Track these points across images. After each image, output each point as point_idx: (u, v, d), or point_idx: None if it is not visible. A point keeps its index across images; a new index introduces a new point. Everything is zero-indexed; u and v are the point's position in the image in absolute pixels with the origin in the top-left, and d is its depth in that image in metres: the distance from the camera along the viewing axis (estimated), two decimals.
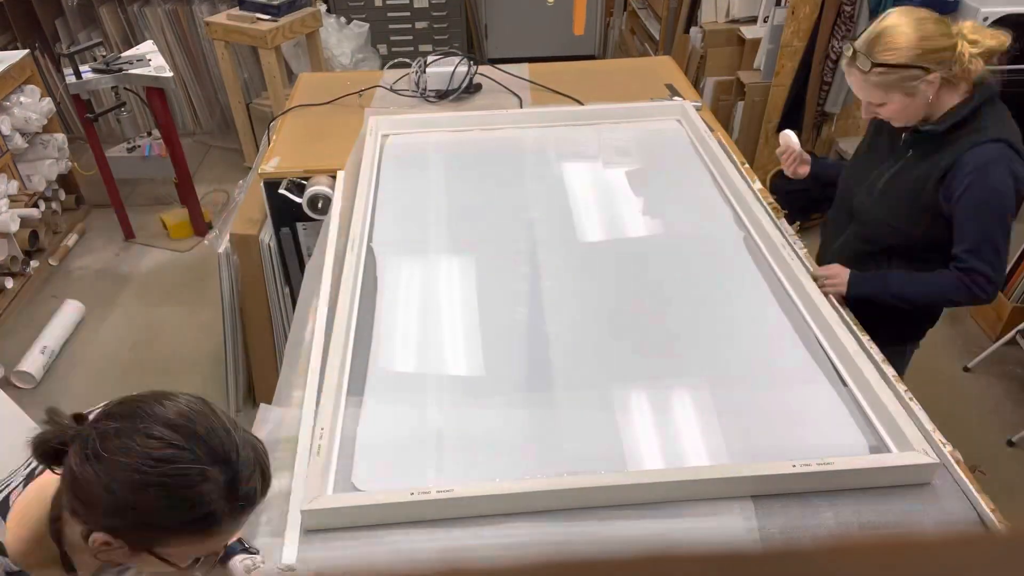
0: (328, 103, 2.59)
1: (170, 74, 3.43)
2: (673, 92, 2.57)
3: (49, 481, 0.99)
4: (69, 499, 0.90)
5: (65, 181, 3.88)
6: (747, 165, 2.14)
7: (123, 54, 3.55)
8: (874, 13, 3.34)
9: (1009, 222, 1.55)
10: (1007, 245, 1.57)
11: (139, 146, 3.82)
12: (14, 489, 1.04)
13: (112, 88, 3.60)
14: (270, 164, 2.28)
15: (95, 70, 3.41)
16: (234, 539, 1.08)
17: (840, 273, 1.62)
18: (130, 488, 0.84)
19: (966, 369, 2.94)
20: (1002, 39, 1.61)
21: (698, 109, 2.37)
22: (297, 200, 2.21)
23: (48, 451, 0.93)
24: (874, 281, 1.63)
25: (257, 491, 0.91)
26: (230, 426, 0.91)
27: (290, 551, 1.12)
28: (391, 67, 2.92)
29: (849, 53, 1.57)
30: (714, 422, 1.33)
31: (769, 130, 3.74)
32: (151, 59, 3.50)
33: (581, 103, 2.50)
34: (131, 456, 0.85)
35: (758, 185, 2.02)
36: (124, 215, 3.79)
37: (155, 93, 3.43)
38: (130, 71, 3.42)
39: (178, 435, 0.86)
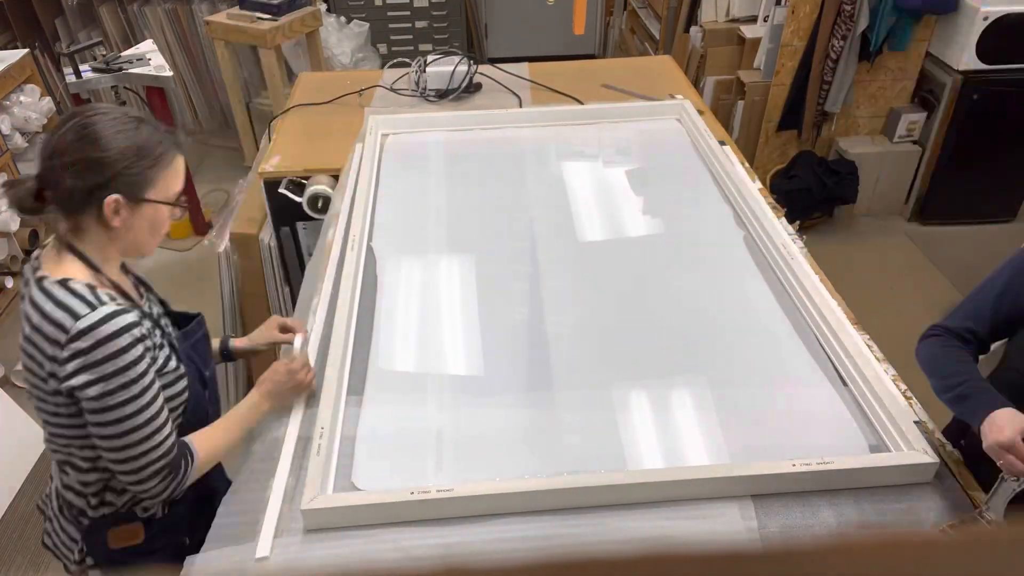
0: (328, 103, 2.59)
1: (170, 73, 3.43)
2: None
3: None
4: (72, 197, 1.18)
5: None
6: (747, 164, 2.14)
7: (123, 53, 3.55)
8: (874, 12, 3.34)
9: None
10: None
11: None
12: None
13: (112, 87, 3.60)
14: (270, 163, 2.28)
15: (95, 69, 3.42)
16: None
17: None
18: (119, 137, 1.17)
19: None
20: None
21: (701, 114, 2.37)
22: (297, 199, 2.21)
23: (28, 199, 1.20)
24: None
25: (178, 136, 1.29)
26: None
27: (264, 545, 1.13)
28: (391, 67, 2.92)
29: None
30: (714, 421, 1.33)
31: (769, 129, 3.74)
32: (151, 58, 3.50)
33: (581, 103, 2.50)
34: (108, 124, 1.17)
35: (758, 184, 2.02)
36: None
37: (155, 92, 3.43)
38: (130, 70, 3.42)
39: (102, 112, 1.19)
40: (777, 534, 1.13)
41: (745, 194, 1.91)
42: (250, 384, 2.81)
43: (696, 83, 3.92)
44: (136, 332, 1.17)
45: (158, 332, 1.29)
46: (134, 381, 1.17)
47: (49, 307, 1.15)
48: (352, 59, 4.62)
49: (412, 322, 1.59)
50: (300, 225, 2.37)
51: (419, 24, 4.95)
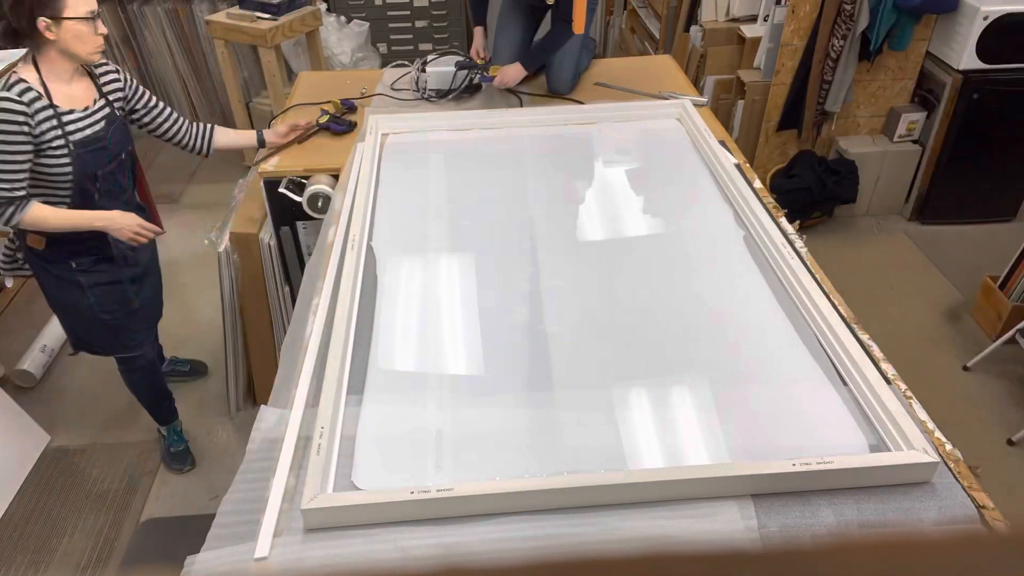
0: (328, 102, 2.58)
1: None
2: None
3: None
4: (23, 28, 1.83)
5: None
6: (747, 164, 2.14)
7: None
8: (874, 11, 3.34)
9: None
10: None
11: None
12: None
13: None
14: (270, 163, 2.29)
15: None
16: None
17: (508, 70, 2.43)
18: None
19: (965, 368, 2.94)
20: None
21: (700, 106, 2.37)
22: (297, 199, 2.22)
23: (6, 35, 1.86)
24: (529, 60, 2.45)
25: None
26: None
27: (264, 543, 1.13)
28: (392, 66, 2.92)
29: None
30: (714, 421, 1.33)
31: (769, 129, 3.74)
32: None
33: (581, 103, 2.50)
34: None
35: (758, 184, 2.02)
36: None
37: None
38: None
39: None
40: (777, 534, 1.13)
41: (745, 194, 1.91)
42: (250, 384, 2.82)
43: (696, 83, 3.92)
44: (11, 116, 1.80)
45: (58, 130, 1.89)
46: None
47: None
48: (352, 59, 4.62)
49: (412, 322, 1.59)
50: (300, 225, 2.37)
51: (419, 24, 4.94)
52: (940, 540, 0.30)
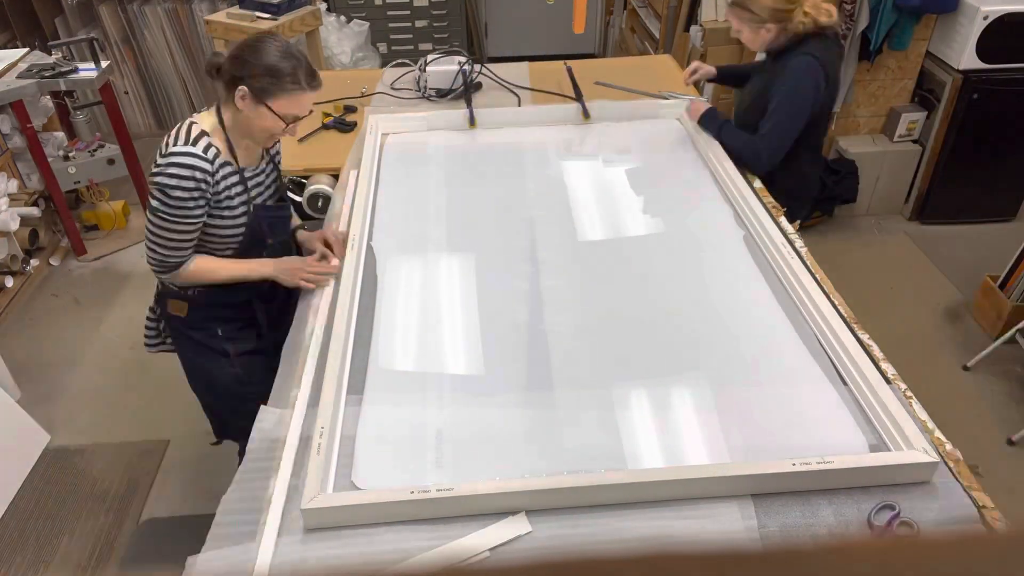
0: (328, 102, 2.58)
1: (94, 73, 3.33)
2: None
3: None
4: (225, 78, 1.63)
5: None
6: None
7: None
8: (874, 11, 3.34)
9: (799, 121, 2.12)
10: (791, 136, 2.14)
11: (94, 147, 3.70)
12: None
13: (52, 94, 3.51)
14: None
15: (20, 76, 3.30)
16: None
17: (701, 108, 2.24)
18: (252, 49, 1.59)
19: (966, 368, 2.94)
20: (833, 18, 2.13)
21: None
22: (297, 199, 2.21)
23: (211, 70, 1.65)
24: (713, 123, 2.21)
25: (317, 79, 1.64)
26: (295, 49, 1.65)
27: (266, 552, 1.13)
28: (392, 66, 2.92)
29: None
30: (714, 421, 1.33)
31: None
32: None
33: (584, 104, 2.49)
34: (271, 47, 1.60)
35: (758, 184, 2.02)
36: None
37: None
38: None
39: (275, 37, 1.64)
40: (777, 534, 1.13)
41: (745, 194, 1.91)
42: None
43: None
44: (193, 174, 1.59)
45: (240, 187, 1.70)
46: (169, 203, 1.59)
47: (173, 131, 1.65)
48: (352, 58, 4.62)
49: (412, 322, 1.59)
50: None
51: (419, 23, 4.94)
52: (940, 540, 0.30)
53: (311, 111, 1.68)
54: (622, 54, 5.20)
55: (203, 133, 1.62)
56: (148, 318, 1.97)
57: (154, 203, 1.60)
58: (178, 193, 1.58)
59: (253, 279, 1.76)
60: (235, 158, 1.68)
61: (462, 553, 1.11)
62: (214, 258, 1.74)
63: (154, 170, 1.60)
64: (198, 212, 1.62)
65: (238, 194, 1.69)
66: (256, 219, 1.74)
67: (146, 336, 1.99)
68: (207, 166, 1.60)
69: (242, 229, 1.73)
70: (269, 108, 1.59)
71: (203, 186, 1.60)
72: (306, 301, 1.67)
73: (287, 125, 1.64)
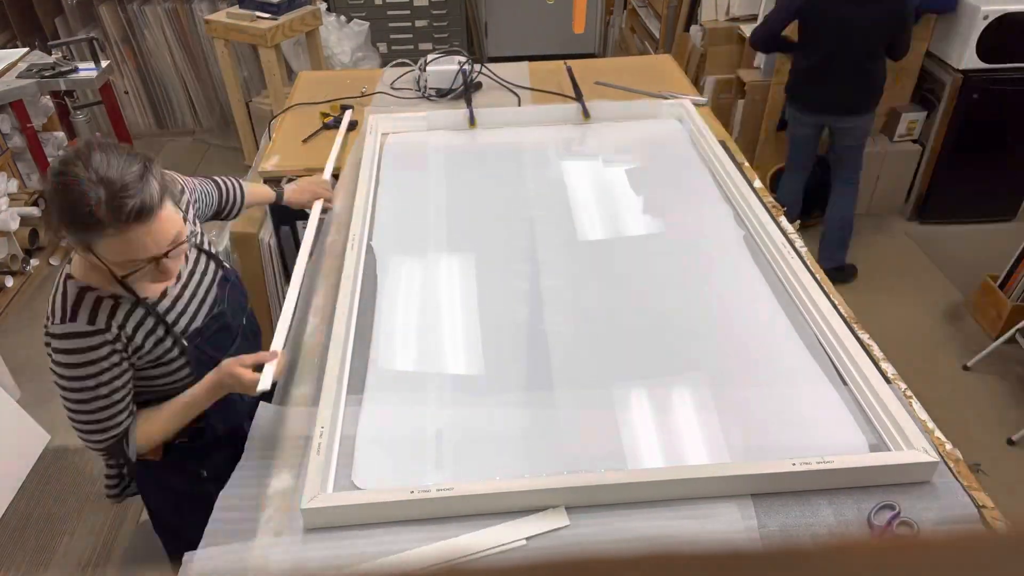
0: (328, 102, 2.58)
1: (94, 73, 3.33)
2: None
3: None
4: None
5: None
6: (747, 164, 2.14)
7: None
8: None
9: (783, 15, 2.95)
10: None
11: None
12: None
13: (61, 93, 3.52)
14: (270, 162, 2.28)
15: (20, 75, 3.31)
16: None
17: None
18: (49, 196, 1.22)
19: (966, 368, 2.94)
20: None
21: (700, 106, 2.37)
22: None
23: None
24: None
25: (134, 210, 1.18)
26: (134, 160, 1.22)
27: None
28: (392, 66, 2.92)
29: None
30: (714, 421, 1.33)
31: (769, 129, 3.74)
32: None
33: (584, 104, 2.49)
34: (64, 190, 1.18)
35: (758, 184, 2.02)
36: None
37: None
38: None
39: (78, 160, 1.19)
40: (777, 533, 1.13)
41: (745, 194, 1.91)
42: None
43: (696, 82, 3.92)
44: (87, 356, 1.31)
45: (161, 328, 1.41)
46: (71, 385, 1.34)
47: (51, 296, 1.35)
48: (352, 58, 4.62)
49: (412, 322, 1.59)
50: (300, 224, 2.37)
51: (419, 23, 4.95)
52: (940, 540, 0.30)
53: (167, 251, 1.26)
54: (622, 54, 5.20)
55: (82, 291, 1.30)
56: (108, 464, 1.61)
57: (55, 378, 1.34)
58: (77, 372, 1.31)
59: (206, 403, 1.44)
60: (133, 291, 1.34)
61: (493, 543, 1.11)
62: (150, 410, 1.44)
63: (45, 342, 1.33)
64: (115, 376, 1.34)
65: (158, 331, 1.39)
66: (195, 350, 1.44)
67: (107, 487, 1.64)
68: (96, 339, 1.30)
69: (185, 367, 1.44)
70: (99, 259, 1.24)
71: (103, 351, 1.31)
72: (306, 301, 1.67)
73: (140, 269, 1.26)
